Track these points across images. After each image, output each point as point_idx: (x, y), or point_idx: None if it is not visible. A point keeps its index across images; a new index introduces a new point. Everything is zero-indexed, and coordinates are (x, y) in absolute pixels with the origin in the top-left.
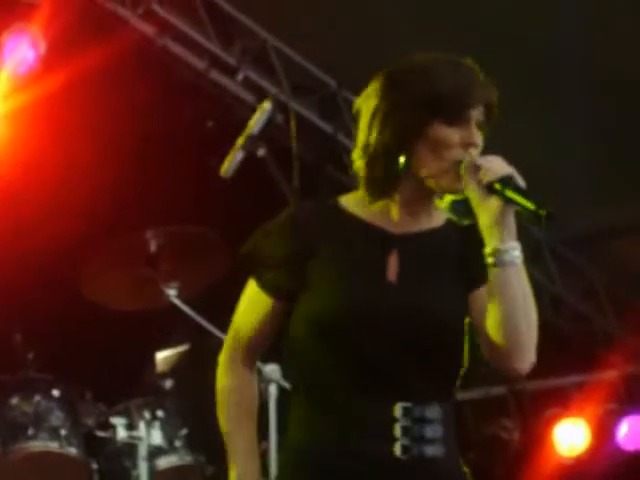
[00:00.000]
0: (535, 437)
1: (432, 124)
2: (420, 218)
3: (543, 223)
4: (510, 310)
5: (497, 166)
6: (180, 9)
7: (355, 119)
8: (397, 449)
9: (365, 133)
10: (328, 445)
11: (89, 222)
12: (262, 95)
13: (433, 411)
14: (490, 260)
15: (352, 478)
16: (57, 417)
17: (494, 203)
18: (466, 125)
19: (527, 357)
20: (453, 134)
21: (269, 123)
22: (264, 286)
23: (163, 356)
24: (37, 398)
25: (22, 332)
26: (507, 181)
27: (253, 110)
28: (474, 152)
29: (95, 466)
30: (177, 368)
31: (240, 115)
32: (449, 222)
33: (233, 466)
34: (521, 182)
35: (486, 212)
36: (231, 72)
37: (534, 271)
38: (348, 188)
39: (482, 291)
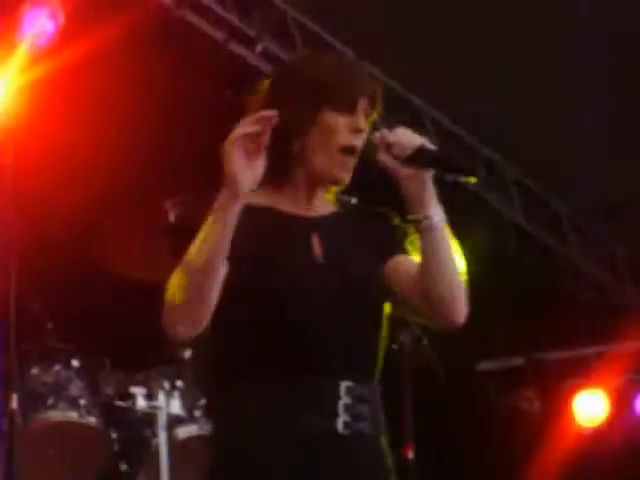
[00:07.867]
0: (554, 407)
1: (322, 111)
2: (322, 203)
3: (468, 179)
4: (444, 267)
5: (408, 139)
6: None
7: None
8: (339, 425)
9: None
10: (279, 423)
11: (108, 193)
12: None
13: (365, 390)
14: (422, 225)
15: (299, 453)
16: (77, 387)
17: (414, 174)
18: (354, 112)
19: (462, 308)
20: (341, 120)
21: None
22: None
23: None
24: (57, 368)
25: (41, 302)
26: (422, 151)
27: None
28: (360, 138)
29: (115, 435)
30: (196, 338)
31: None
32: (337, 209)
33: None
34: (432, 147)
35: (410, 183)
36: (250, 43)
37: (552, 242)
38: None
39: (399, 258)
